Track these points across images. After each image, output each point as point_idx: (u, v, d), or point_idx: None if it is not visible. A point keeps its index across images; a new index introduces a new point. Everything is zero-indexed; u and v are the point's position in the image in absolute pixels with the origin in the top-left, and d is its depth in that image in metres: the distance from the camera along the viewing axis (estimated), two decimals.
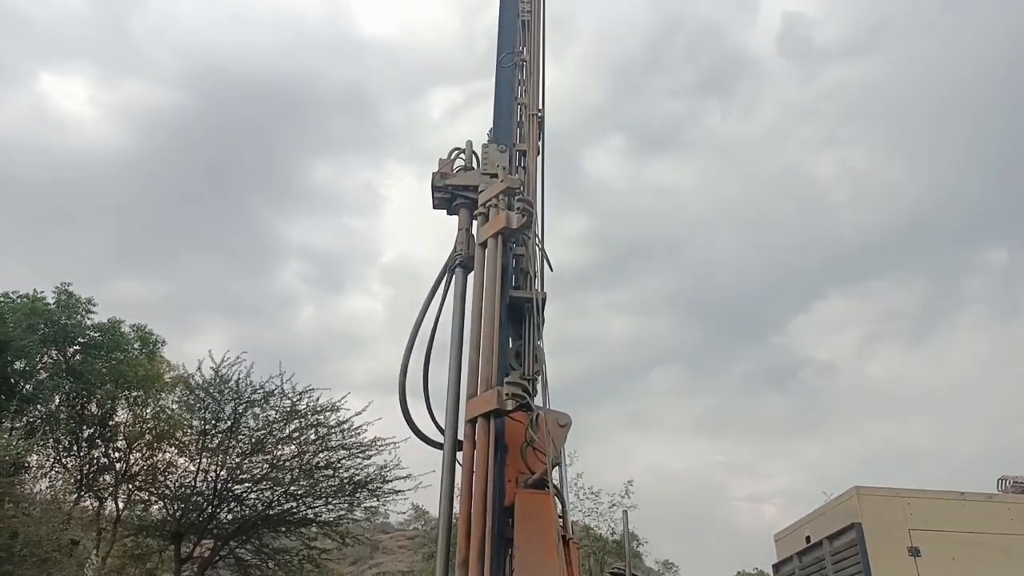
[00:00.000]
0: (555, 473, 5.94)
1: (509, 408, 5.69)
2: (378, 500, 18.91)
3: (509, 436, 6.05)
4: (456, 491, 5.76)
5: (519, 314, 6.77)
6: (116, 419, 16.06)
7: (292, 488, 18.13)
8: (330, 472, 18.30)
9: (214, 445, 17.36)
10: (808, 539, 6.01)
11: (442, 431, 6.55)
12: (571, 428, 6.18)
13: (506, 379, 5.72)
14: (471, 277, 6.64)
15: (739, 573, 28.09)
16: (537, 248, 6.84)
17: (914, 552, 5.14)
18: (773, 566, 6.65)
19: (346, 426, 18.11)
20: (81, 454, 15.67)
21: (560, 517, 5.81)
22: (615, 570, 7.44)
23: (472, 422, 5.90)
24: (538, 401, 6.07)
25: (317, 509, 18.72)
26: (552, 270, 6.90)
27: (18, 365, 13.66)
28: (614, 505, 16.94)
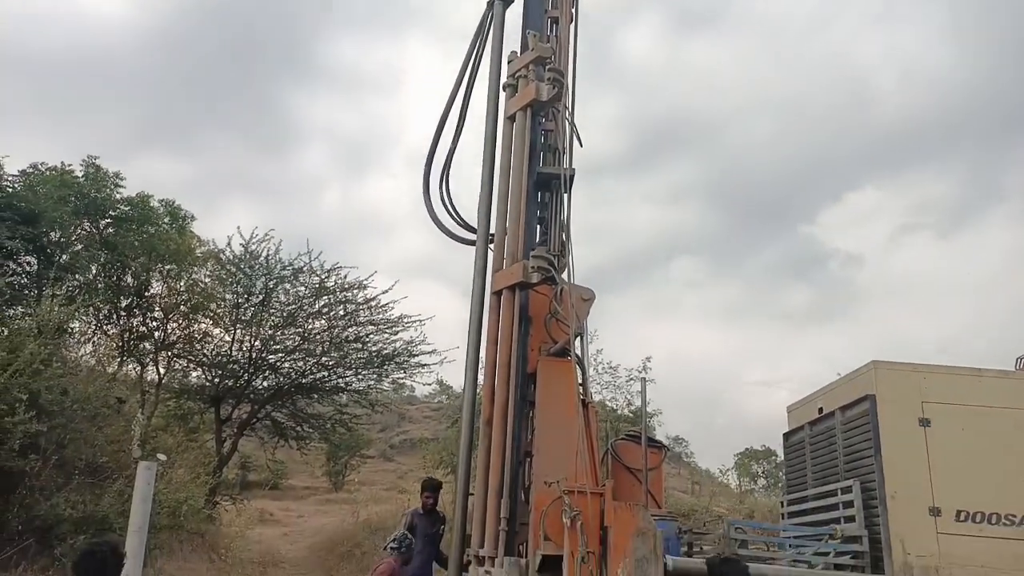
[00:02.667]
0: (576, 344, 6.16)
1: (534, 281, 5.82)
2: (404, 373, 19.67)
3: (533, 308, 6.21)
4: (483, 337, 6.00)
5: (546, 190, 6.79)
6: (151, 291, 16.56)
7: (323, 359, 18.90)
8: (359, 345, 18.98)
9: (247, 317, 17.97)
10: (821, 410, 6.22)
11: (465, 226, 6.79)
12: (593, 303, 6.33)
13: (532, 253, 5.83)
14: (499, 153, 6.62)
15: (747, 449, 29.28)
16: (567, 122, 6.75)
17: (924, 423, 5.31)
18: (784, 435, 6.91)
19: (373, 303, 18.61)
20: (120, 323, 16.29)
21: (580, 384, 6.09)
22: (630, 433, 7.79)
23: (497, 294, 6.07)
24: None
25: (347, 379, 19.57)
26: (582, 145, 6.82)
27: (53, 236, 13.97)
28: (631, 379, 17.42)
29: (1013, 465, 5.19)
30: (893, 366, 5.51)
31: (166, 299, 16.65)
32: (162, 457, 8.98)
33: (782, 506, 6.87)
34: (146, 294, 16.31)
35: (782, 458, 7.96)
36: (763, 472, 26.85)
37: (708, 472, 28.03)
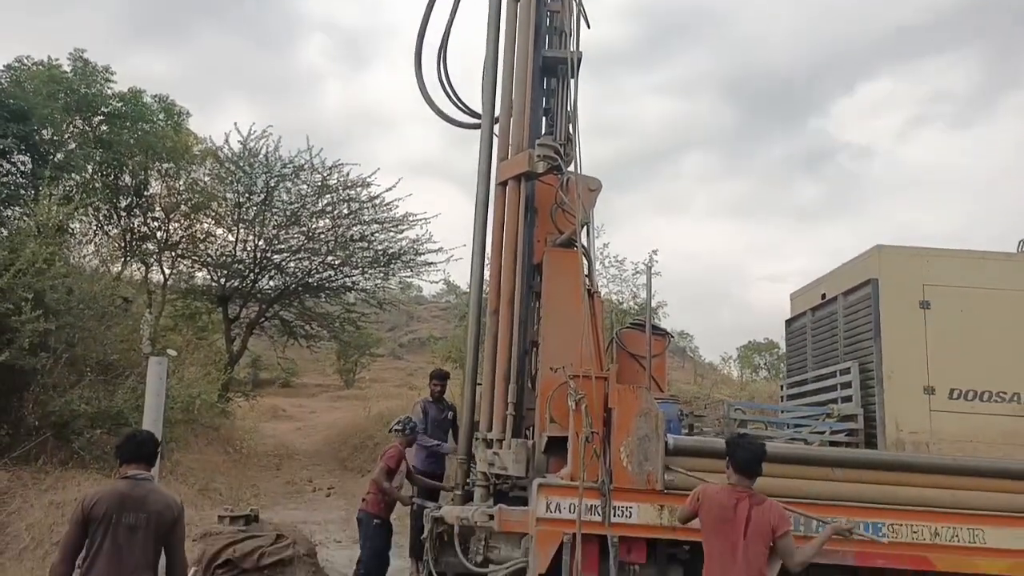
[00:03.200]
0: (582, 234, 6.16)
1: (540, 170, 5.73)
2: (411, 271, 19.79)
3: (539, 199, 6.17)
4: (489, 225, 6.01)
5: (552, 76, 6.58)
6: (151, 190, 16.46)
7: (329, 259, 18.97)
8: (364, 244, 19.00)
9: (250, 217, 17.91)
10: (823, 296, 6.29)
11: (466, 110, 6.69)
12: (599, 194, 6.28)
13: (537, 142, 5.72)
14: (502, 36, 6.37)
15: (750, 342, 29.85)
16: (573, 1, 6.47)
17: (924, 305, 5.37)
18: (786, 322, 7.02)
19: (377, 201, 18.49)
20: (121, 223, 16.27)
21: (586, 275, 6.13)
22: (634, 322, 7.91)
23: (503, 184, 6.01)
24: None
25: (354, 278, 19.70)
26: (589, 27, 6.55)
27: (45, 134, 13.70)
28: (637, 272, 17.50)
29: (1008, 345, 5.30)
30: (897, 250, 5.53)
31: (166, 199, 16.55)
32: (172, 352, 9.17)
33: (781, 389, 7.08)
34: (145, 194, 16.21)
35: (783, 350, 8.12)
36: (765, 364, 27.49)
37: (711, 365, 28.71)
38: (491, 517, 4.86)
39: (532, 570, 4.46)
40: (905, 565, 4.57)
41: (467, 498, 5.58)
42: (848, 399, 5.60)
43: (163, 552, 3.88)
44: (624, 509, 4.51)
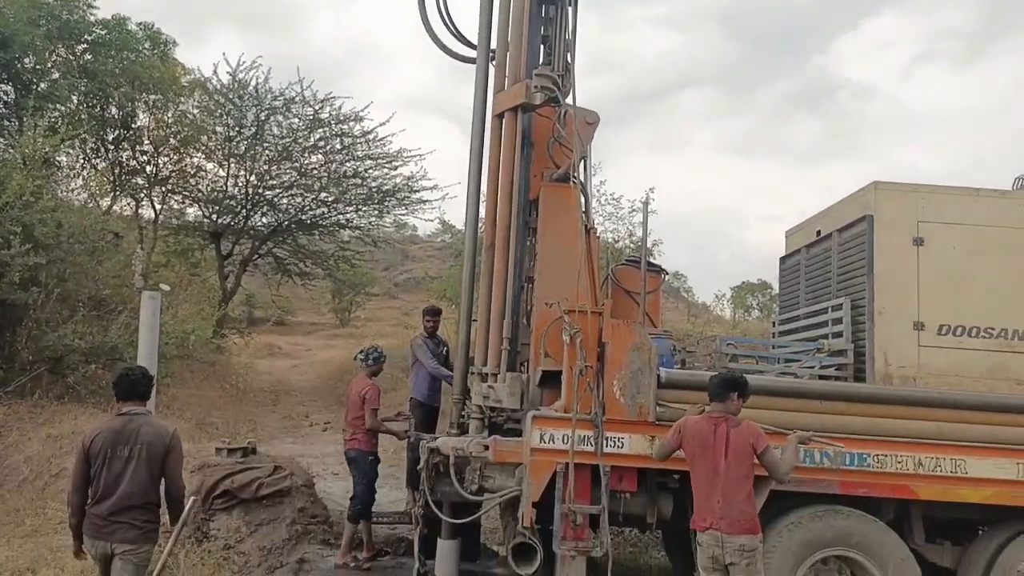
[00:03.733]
0: (579, 169, 6.09)
1: (537, 102, 5.61)
2: (406, 209, 19.64)
3: (536, 133, 6.06)
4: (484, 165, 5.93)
5: (551, 3, 6.38)
6: (138, 123, 16.14)
7: (322, 195, 18.77)
8: (358, 181, 18.78)
9: (240, 151, 17.63)
10: (818, 233, 6.29)
11: (465, 42, 6.54)
12: (597, 127, 6.18)
13: (535, 72, 5.59)
14: None
15: (743, 283, 30.00)
16: None
17: (918, 242, 5.39)
18: (780, 259, 7.04)
19: (371, 137, 18.20)
20: (109, 156, 16.00)
21: (583, 211, 6.09)
22: (630, 258, 7.92)
23: (499, 116, 5.90)
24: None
25: (348, 215, 19.57)
26: None
27: (28, 62, 13.31)
28: (634, 210, 17.37)
29: (999, 281, 5.35)
30: (893, 186, 5.51)
31: (154, 132, 16.24)
32: (165, 287, 9.16)
33: (773, 326, 7.15)
34: (133, 126, 15.88)
35: (777, 290, 8.15)
36: (757, 304, 27.70)
37: (705, 305, 28.91)
38: (486, 448, 4.96)
39: (526, 498, 4.57)
40: (889, 494, 4.71)
41: (462, 431, 5.67)
42: (839, 335, 5.66)
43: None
44: (616, 440, 4.60)
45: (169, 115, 16.47)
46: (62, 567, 5.31)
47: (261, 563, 6.07)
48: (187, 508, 4.31)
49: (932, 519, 4.95)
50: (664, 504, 4.95)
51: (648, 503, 4.93)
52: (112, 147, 15.91)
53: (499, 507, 5.57)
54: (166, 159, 17.01)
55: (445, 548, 5.97)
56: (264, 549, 6.28)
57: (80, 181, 15.71)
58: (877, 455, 4.62)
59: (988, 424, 4.75)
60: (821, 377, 5.61)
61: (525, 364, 5.76)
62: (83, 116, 14.34)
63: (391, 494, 8.94)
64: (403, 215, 19.99)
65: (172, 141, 16.57)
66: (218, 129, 17.26)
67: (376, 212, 19.35)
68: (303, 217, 19.23)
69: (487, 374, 5.56)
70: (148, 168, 16.73)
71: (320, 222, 19.52)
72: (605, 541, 4.54)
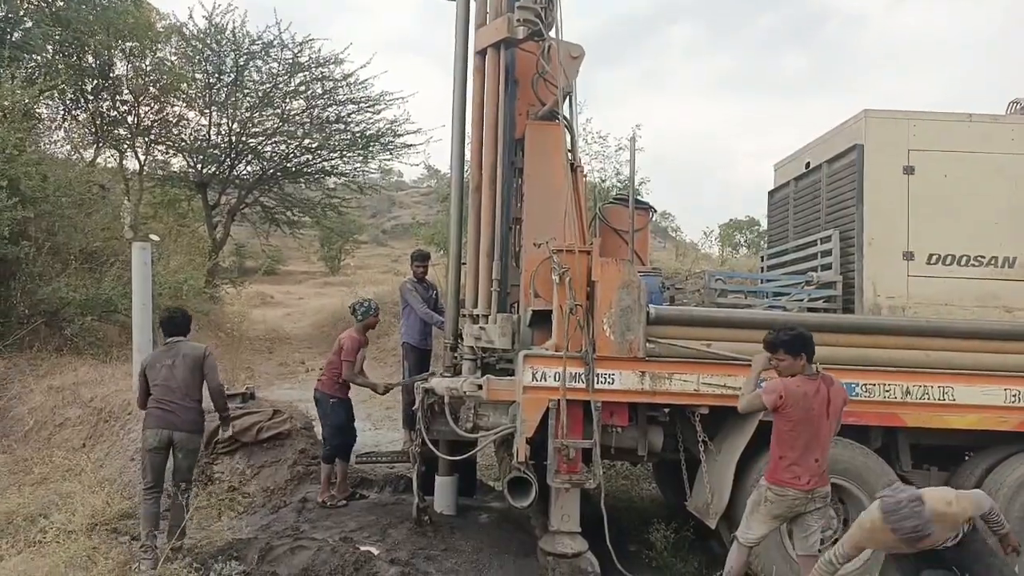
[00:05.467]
0: (565, 106, 5.98)
1: (520, 36, 5.46)
2: (391, 154, 19.41)
3: (520, 69, 5.92)
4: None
5: None
6: (116, 72, 15.69)
7: (306, 142, 18.53)
8: (341, 126, 18.52)
9: (221, 99, 17.29)
10: (808, 164, 6.22)
11: None
12: (582, 61, 6.04)
13: (517, 4, 5.44)
14: None
15: (731, 220, 29.98)
16: None
17: (908, 170, 5.33)
18: (769, 193, 6.98)
19: (352, 80, 17.89)
20: (89, 107, 15.63)
21: (569, 150, 6.01)
22: (617, 197, 7.89)
23: (481, 53, 5.75)
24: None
25: (333, 162, 19.36)
26: None
27: None
28: (620, 148, 17.20)
29: (990, 209, 5.31)
30: (883, 114, 5.41)
31: (133, 80, 15.83)
32: (155, 238, 9.09)
33: (762, 260, 7.14)
34: (111, 75, 15.46)
35: (765, 226, 8.11)
36: (745, 241, 27.73)
37: (693, 244, 28.96)
38: (479, 387, 5.01)
39: (519, 434, 4.64)
40: (877, 422, 4.80)
41: (456, 373, 5.72)
42: (828, 267, 5.66)
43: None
44: (607, 376, 4.65)
45: (147, 63, 16.02)
46: (72, 511, 5.42)
47: (265, 503, 6.21)
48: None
49: (919, 446, 5.06)
50: (655, 437, 5.04)
51: (639, 436, 5.02)
52: (91, 97, 15.51)
53: (494, 444, 5.69)
54: (147, 108, 16.65)
55: (443, 484, 6.12)
56: (267, 490, 6.41)
57: (62, 133, 15.42)
58: (865, 384, 4.69)
59: (976, 352, 4.81)
60: (810, 310, 5.63)
61: (515, 305, 5.78)
62: (60, 66, 13.93)
63: (388, 435, 9.09)
64: (388, 160, 19.78)
65: (152, 90, 16.17)
66: (197, 76, 16.86)
67: (361, 158, 19.14)
68: (288, 165, 19.02)
69: (478, 316, 5.59)
70: (129, 118, 16.38)
71: (305, 169, 19.32)
72: (597, 474, 4.63)
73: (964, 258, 5.33)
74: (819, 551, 4.11)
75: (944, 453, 5.13)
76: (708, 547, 5.45)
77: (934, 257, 5.32)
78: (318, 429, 8.18)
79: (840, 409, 4.04)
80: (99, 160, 16.82)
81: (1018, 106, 5.83)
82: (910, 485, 3.89)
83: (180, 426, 4.95)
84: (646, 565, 5.27)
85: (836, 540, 4.80)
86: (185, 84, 16.43)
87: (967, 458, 5.11)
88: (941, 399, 4.70)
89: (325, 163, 19.28)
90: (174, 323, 5.23)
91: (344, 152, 18.97)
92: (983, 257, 5.33)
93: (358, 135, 18.51)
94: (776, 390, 3.95)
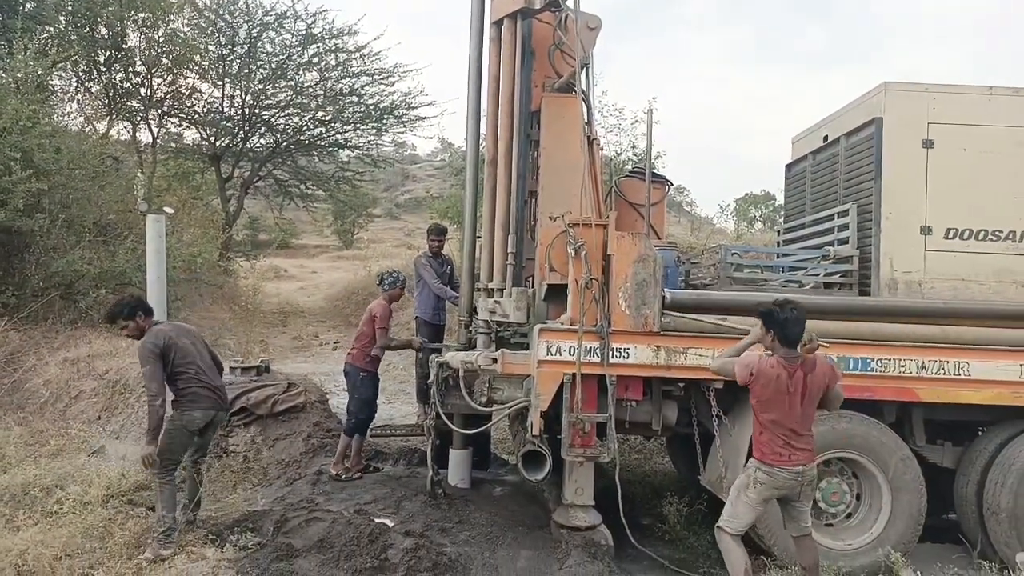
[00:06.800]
0: (581, 78, 5.92)
1: (537, 6, 5.41)
2: (404, 127, 19.35)
3: (536, 40, 5.86)
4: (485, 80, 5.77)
5: None
6: (129, 43, 15.67)
7: (319, 114, 18.49)
8: (355, 99, 18.45)
9: (234, 71, 17.25)
10: (826, 138, 6.14)
11: None
12: (599, 32, 5.96)
13: None
14: None
15: (747, 195, 29.74)
16: None
17: (928, 144, 5.25)
18: (786, 166, 6.89)
19: (366, 51, 17.81)
20: (102, 79, 15.64)
21: (585, 122, 5.96)
22: (634, 170, 7.83)
23: (497, 24, 5.69)
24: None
25: (346, 135, 19.32)
26: None
27: None
28: (637, 121, 17.05)
29: (1008, 183, 5.22)
30: (903, 86, 5.32)
31: (146, 52, 15.80)
32: (169, 210, 9.12)
33: (778, 235, 7.09)
34: (124, 47, 15.43)
35: (780, 200, 8.02)
36: (761, 216, 27.52)
37: (708, 219, 28.77)
38: (494, 361, 5.03)
39: (534, 408, 4.67)
40: (892, 397, 4.80)
41: (471, 347, 5.75)
42: (844, 241, 5.61)
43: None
44: (622, 350, 4.65)
45: (160, 34, 15.98)
46: (88, 483, 5.51)
47: (280, 475, 6.28)
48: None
49: (933, 421, 5.05)
50: (669, 411, 5.05)
51: (653, 411, 5.03)
52: (104, 69, 15.50)
53: (508, 418, 5.73)
54: (160, 80, 16.63)
55: (457, 457, 6.17)
56: (282, 462, 6.49)
57: (75, 105, 15.43)
58: (881, 359, 4.67)
59: (992, 327, 4.78)
60: (826, 285, 5.60)
61: (530, 279, 5.78)
62: (72, 37, 13.92)
63: (402, 408, 9.17)
64: (401, 133, 19.83)
65: (165, 61, 16.15)
66: (210, 48, 16.83)
67: (374, 130, 19.08)
68: (301, 137, 18.99)
69: (493, 290, 5.60)
70: (142, 90, 16.38)
71: (318, 142, 19.29)
72: (612, 447, 4.65)
73: (982, 233, 5.26)
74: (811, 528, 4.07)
75: (958, 428, 5.12)
76: None
77: (952, 232, 5.26)
78: (333, 402, 8.27)
79: (818, 393, 3.88)
80: (112, 132, 16.88)
81: None
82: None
83: (223, 405, 5.01)
84: (659, 539, 5.32)
85: (851, 515, 4.87)
86: (198, 56, 16.40)
87: (980, 433, 5.10)
88: (956, 374, 4.68)
89: (338, 136, 19.25)
90: (143, 305, 5.03)
91: (357, 125, 18.93)
92: (1000, 232, 5.26)
93: (372, 107, 18.44)
94: (750, 366, 3.89)
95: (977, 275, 5.25)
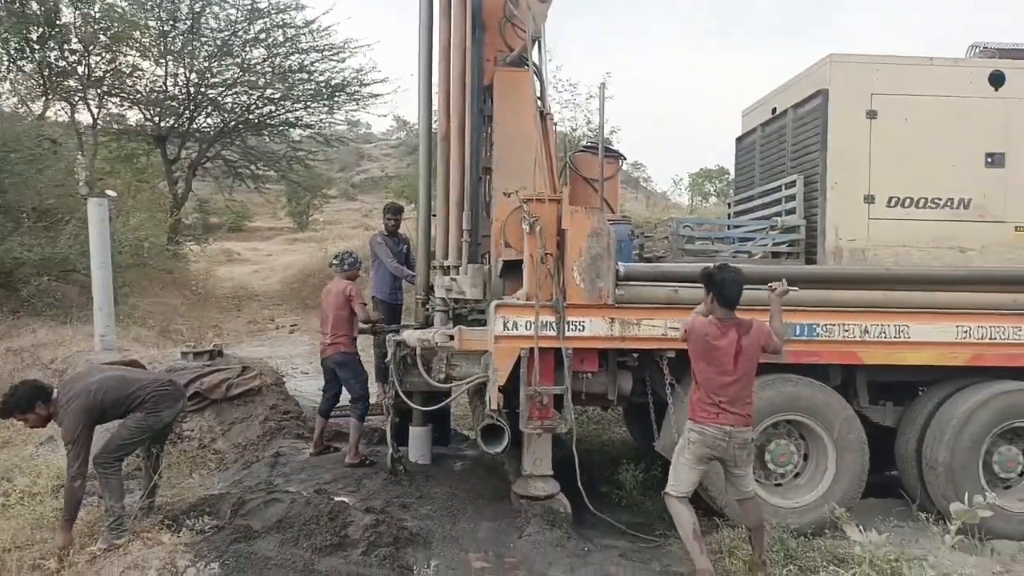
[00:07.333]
0: (534, 52, 5.91)
1: None
2: (358, 104, 19.02)
3: (487, 13, 5.79)
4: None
5: None
6: (63, 19, 15.00)
7: (268, 92, 18.05)
8: (304, 75, 18.05)
9: (177, 48, 16.70)
10: (774, 110, 6.26)
11: None
12: (551, 6, 5.95)
13: None
14: None
15: (701, 169, 30.08)
16: None
17: (872, 115, 5.40)
18: (736, 139, 7.02)
19: (314, 27, 17.41)
20: (36, 57, 14.97)
21: (538, 97, 5.96)
22: (587, 145, 7.86)
23: None
24: None
25: (297, 113, 18.93)
26: None
27: None
28: (591, 96, 17.07)
29: (949, 152, 5.42)
30: (848, 58, 5.45)
31: (82, 28, 15.16)
32: (111, 193, 8.81)
33: (729, 207, 7.22)
34: (58, 24, 14.79)
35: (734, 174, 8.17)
36: (715, 190, 27.87)
37: (663, 194, 29.07)
38: (451, 337, 5.04)
39: (492, 383, 4.69)
40: (837, 360, 4.96)
41: (428, 325, 5.74)
42: (792, 212, 5.75)
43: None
44: (577, 323, 4.70)
45: (96, 9, 15.34)
46: (37, 474, 5.38)
47: (237, 459, 6.21)
48: None
49: (876, 382, 5.24)
50: (624, 382, 5.14)
51: (609, 382, 5.11)
52: (38, 47, 14.85)
53: (467, 393, 5.76)
54: (98, 58, 15.98)
55: (417, 435, 6.19)
56: (239, 446, 6.41)
57: (7, 85, 14.80)
58: (826, 325, 4.82)
59: (930, 291, 4.96)
60: (774, 254, 5.73)
61: (486, 255, 5.78)
62: (1, 14, 13.30)
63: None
64: (354, 111, 19.46)
65: (102, 38, 15.51)
66: (151, 24, 16.22)
67: (326, 108, 18.74)
68: (250, 116, 18.53)
69: (449, 267, 5.59)
70: (80, 69, 15.73)
71: (268, 121, 18.86)
72: (569, 418, 4.72)
73: (922, 200, 5.45)
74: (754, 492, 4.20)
75: (899, 388, 5.32)
76: None
77: (894, 200, 5.43)
78: (290, 385, 8.19)
79: (754, 354, 3.99)
80: (49, 114, 16.26)
81: (977, 49, 5.90)
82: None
83: (183, 393, 4.91)
84: (616, 505, 5.43)
85: (798, 475, 5.04)
86: (137, 32, 15.80)
87: (921, 392, 5.31)
88: (897, 337, 4.85)
89: (289, 114, 18.85)
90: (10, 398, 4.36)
91: (308, 102, 18.55)
92: (940, 199, 5.46)
93: (322, 84, 18.08)
94: (684, 324, 4.09)
95: (917, 241, 5.43)
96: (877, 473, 5.18)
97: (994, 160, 5.48)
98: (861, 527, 3.71)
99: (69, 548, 4.16)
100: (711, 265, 4.10)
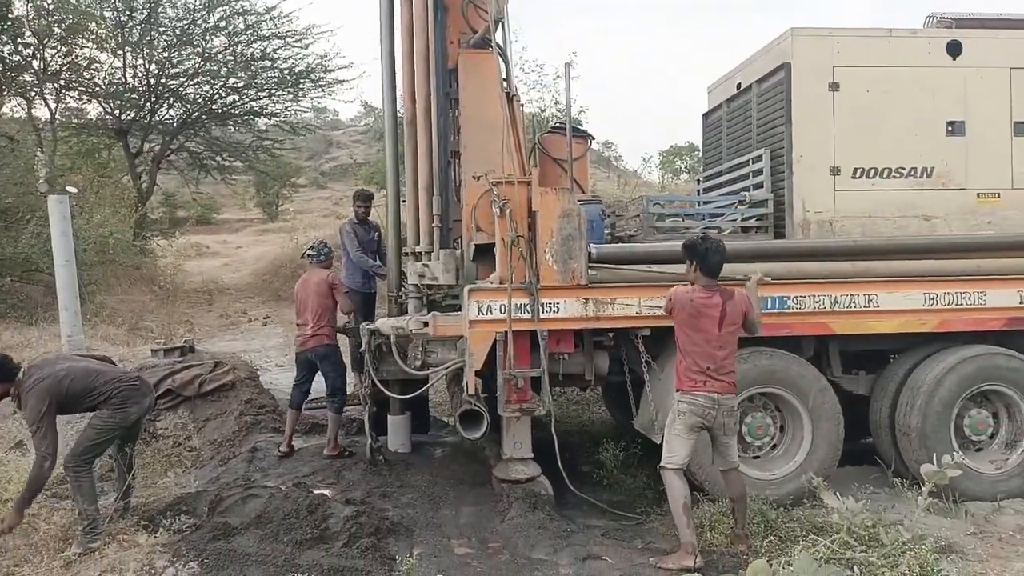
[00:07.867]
0: (498, 33, 5.84)
1: None
2: (323, 91, 18.78)
3: None
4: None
5: None
6: (15, 12, 14.55)
7: (231, 81, 17.73)
8: (268, 63, 17.75)
9: (135, 39, 16.31)
10: (739, 86, 6.28)
11: None
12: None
13: None
14: None
15: (671, 147, 30.15)
16: None
17: (834, 87, 5.44)
18: (703, 115, 7.04)
19: (276, 12, 17.11)
20: None
21: (504, 79, 5.90)
22: (555, 126, 7.83)
23: None
24: None
25: (261, 101, 18.62)
26: None
27: None
28: (558, 77, 17.07)
29: (910, 121, 5.48)
30: (809, 31, 5.48)
31: (35, 21, 14.72)
32: (72, 190, 8.62)
33: (698, 183, 7.25)
34: (10, 17, 14.33)
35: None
36: (686, 167, 27.94)
37: (635, 173, 29.11)
38: (426, 324, 5.01)
39: (469, 368, 4.68)
40: (809, 332, 5.02)
41: (402, 312, 5.71)
42: (759, 186, 5.79)
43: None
44: (551, 305, 4.70)
45: (49, 1, 14.90)
46: (8, 479, 5.24)
47: (213, 456, 6.13)
48: None
49: (848, 352, 5.32)
50: (600, 362, 5.15)
51: (585, 362, 5.12)
52: None
53: (445, 379, 5.75)
54: (53, 51, 15.53)
55: (396, 423, 6.16)
56: (215, 443, 6.33)
57: None
58: (797, 297, 4.87)
59: (898, 261, 5.03)
60: (744, 229, 5.77)
61: (458, 240, 5.75)
62: None
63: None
64: (320, 98, 19.18)
65: (57, 31, 15.08)
66: (107, 14, 15.81)
67: (291, 96, 18.46)
68: (213, 107, 18.18)
69: (421, 253, 5.55)
70: (35, 63, 15.29)
71: (232, 111, 18.53)
72: (547, 400, 4.73)
73: (886, 171, 5.51)
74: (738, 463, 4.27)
75: (871, 357, 5.40)
76: (655, 462, 5.68)
77: (859, 171, 5.48)
78: (265, 378, 8.10)
79: (737, 318, 4.09)
80: (5, 110, 15.84)
81: (934, 20, 5.95)
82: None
83: (150, 390, 4.84)
84: (598, 484, 5.47)
85: (775, 446, 5.11)
86: (93, 24, 15.37)
87: (892, 360, 5.40)
88: (866, 306, 4.92)
89: (253, 103, 18.54)
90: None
91: (273, 91, 18.26)
92: (903, 169, 5.52)
93: (286, 72, 17.80)
94: (668, 294, 4.19)
95: (883, 211, 5.50)
96: (852, 441, 5.26)
97: (954, 128, 5.56)
98: (838, 495, 3.76)
99: (14, 529, 4.11)
100: (695, 236, 4.22)
